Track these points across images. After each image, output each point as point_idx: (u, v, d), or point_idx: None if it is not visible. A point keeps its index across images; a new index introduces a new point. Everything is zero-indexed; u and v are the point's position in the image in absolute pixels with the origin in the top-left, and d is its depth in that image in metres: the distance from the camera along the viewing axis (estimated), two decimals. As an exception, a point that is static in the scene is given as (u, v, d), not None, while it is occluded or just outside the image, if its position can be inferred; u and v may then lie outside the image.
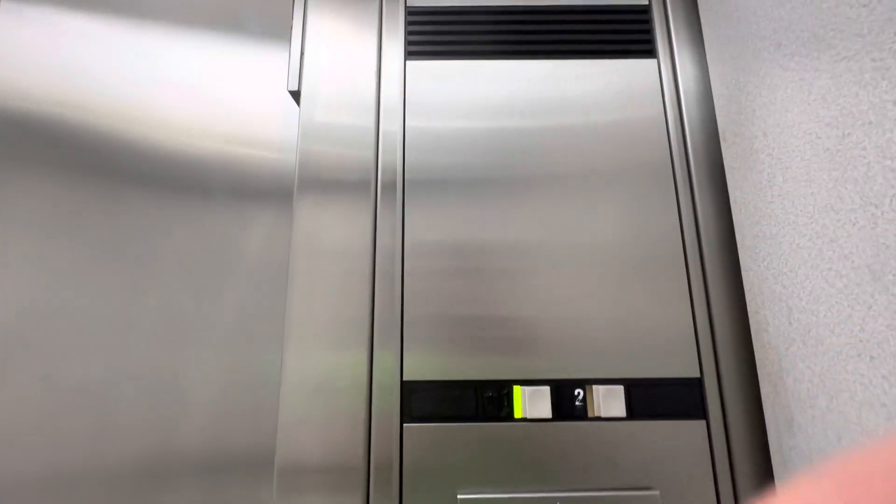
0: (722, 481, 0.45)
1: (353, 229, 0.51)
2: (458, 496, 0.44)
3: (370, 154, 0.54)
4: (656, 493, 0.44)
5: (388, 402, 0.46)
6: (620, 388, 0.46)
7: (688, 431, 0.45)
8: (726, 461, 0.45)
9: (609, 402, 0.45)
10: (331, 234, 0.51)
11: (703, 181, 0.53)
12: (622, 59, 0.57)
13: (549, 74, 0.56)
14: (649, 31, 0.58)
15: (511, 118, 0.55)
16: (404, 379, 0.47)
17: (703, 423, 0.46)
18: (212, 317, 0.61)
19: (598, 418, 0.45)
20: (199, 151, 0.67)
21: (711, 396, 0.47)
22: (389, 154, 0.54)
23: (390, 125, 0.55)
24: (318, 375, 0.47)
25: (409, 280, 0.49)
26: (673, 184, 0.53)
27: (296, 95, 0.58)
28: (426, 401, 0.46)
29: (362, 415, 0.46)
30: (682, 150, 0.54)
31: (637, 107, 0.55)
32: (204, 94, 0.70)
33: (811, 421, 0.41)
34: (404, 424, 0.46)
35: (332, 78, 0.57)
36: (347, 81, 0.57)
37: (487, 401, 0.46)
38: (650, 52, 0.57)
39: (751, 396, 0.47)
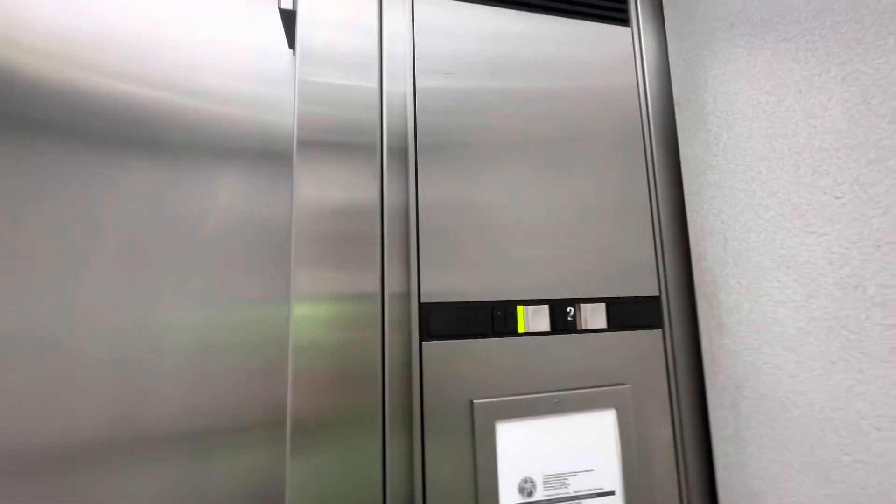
0: (671, 376, 0.56)
1: (360, 189, 0.51)
2: (474, 401, 0.49)
3: (374, 113, 0.54)
4: (628, 386, 0.54)
5: (405, 319, 0.49)
6: (602, 306, 0.54)
7: (650, 338, 0.56)
8: (672, 361, 0.57)
9: (594, 316, 0.54)
10: (336, 193, 0.50)
11: (660, 141, 0.64)
12: (600, 24, 0.64)
13: (537, 35, 0.61)
14: (625, 0, 0.65)
15: (496, 78, 0.58)
16: (422, 301, 0.49)
17: (660, 332, 0.57)
18: (184, 278, 0.56)
19: (585, 330, 0.54)
20: (150, 103, 0.59)
21: (665, 311, 0.58)
22: (396, 113, 0.54)
23: (395, 86, 0.55)
24: (328, 317, 0.47)
25: (422, 232, 0.51)
26: (643, 146, 0.62)
27: (288, 19, 0.54)
28: (443, 319, 0.50)
29: (379, 337, 0.48)
30: (647, 115, 0.64)
31: (617, 74, 0.62)
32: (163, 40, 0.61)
33: (737, 323, 0.54)
34: (423, 342, 0.49)
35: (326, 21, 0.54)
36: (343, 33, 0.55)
37: (496, 318, 0.51)
38: (625, 21, 0.64)
39: (689, 311, 0.59)
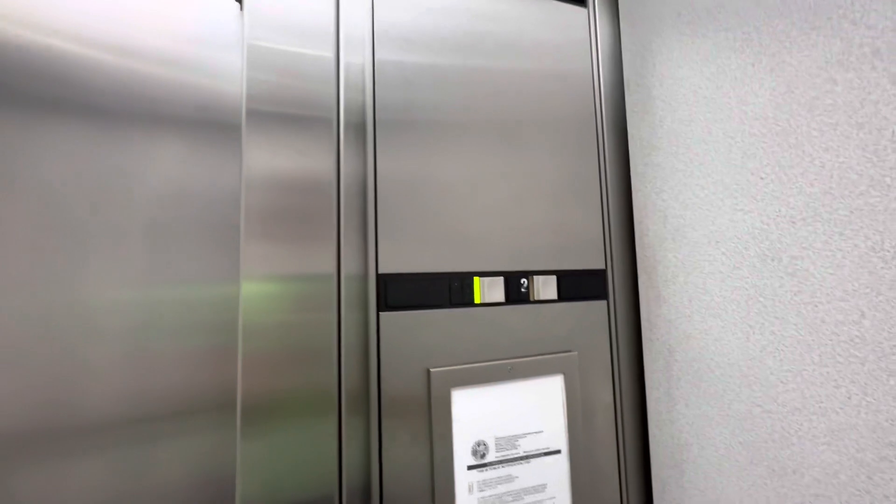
0: (613, 343, 0.61)
1: (314, 163, 0.49)
2: (431, 370, 0.50)
3: (331, 85, 0.51)
4: (575, 353, 0.57)
5: (362, 291, 0.48)
6: (553, 278, 0.57)
7: (596, 309, 0.60)
8: (615, 329, 0.61)
9: (545, 288, 0.56)
10: (288, 167, 0.48)
11: (611, 123, 0.66)
12: (559, 2, 0.64)
13: (498, 11, 0.61)
14: (582, -19, 0.67)
15: (457, 54, 0.58)
16: (380, 272, 0.49)
17: (605, 302, 0.61)
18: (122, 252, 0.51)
19: (538, 301, 0.56)
20: (77, 60, 0.52)
21: (610, 284, 0.62)
22: (353, 85, 0.52)
23: (353, 57, 0.53)
24: (280, 296, 0.46)
25: (380, 206, 0.51)
26: (594, 127, 0.64)
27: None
28: (401, 290, 0.50)
29: (335, 308, 0.47)
30: (599, 97, 0.66)
31: (573, 54, 0.64)
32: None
33: (672, 294, 0.59)
34: (381, 313, 0.49)
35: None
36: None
37: (454, 290, 0.52)
38: (582, 1, 0.66)
39: (632, 284, 0.64)
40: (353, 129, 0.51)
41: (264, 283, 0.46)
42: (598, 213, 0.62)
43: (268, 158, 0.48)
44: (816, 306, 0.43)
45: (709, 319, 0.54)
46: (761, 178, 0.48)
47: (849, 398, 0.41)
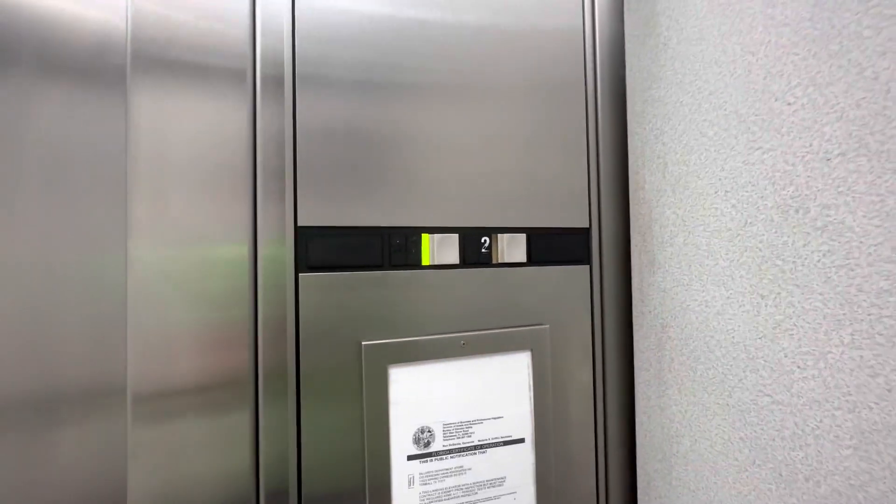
0: (596, 316, 0.51)
1: (221, 116, 0.40)
2: (363, 343, 0.41)
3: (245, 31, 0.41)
4: (546, 326, 0.48)
5: (280, 251, 0.40)
6: (523, 237, 0.47)
7: (575, 275, 0.50)
8: (599, 300, 0.52)
9: (512, 248, 0.47)
10: (187, 120, 0.39)
11: (604, 55, 0.54)
12: None
13: None
14: None
15: (419, 7, 0.46)
16: (299, 225, 0.40)
17: (587, 267, 0.51)
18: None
19: (502, 264, 0.47)
20: None
21: (595, 245, 0.51)
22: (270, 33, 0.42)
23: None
24: (181, 262, 0.38)
25: (300, 156, 0.41)
26: (583, 60, 0.52)
27: None
28: (326, 247, 0.41)
29: (248, 268, 0.39)
30: (591, 21, 0.54)
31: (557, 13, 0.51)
32: None
33: (669, 258, 0.49)
34: (300, 274, 0.40)
35: None
36: None
37: (395, 248, 0.43)
38: None
39: (623, 246, 0.53)
40: (272, 80, 0.41)
41: (158, 247, 0.38)
42: (583, 161, 0.51)
43: (159, 109, 0.38)
44: (852, 270, 0.32)
45: (711, 288, 0.44)
46: (788, 104, 0.36)
47: (889, 390, 0.31)
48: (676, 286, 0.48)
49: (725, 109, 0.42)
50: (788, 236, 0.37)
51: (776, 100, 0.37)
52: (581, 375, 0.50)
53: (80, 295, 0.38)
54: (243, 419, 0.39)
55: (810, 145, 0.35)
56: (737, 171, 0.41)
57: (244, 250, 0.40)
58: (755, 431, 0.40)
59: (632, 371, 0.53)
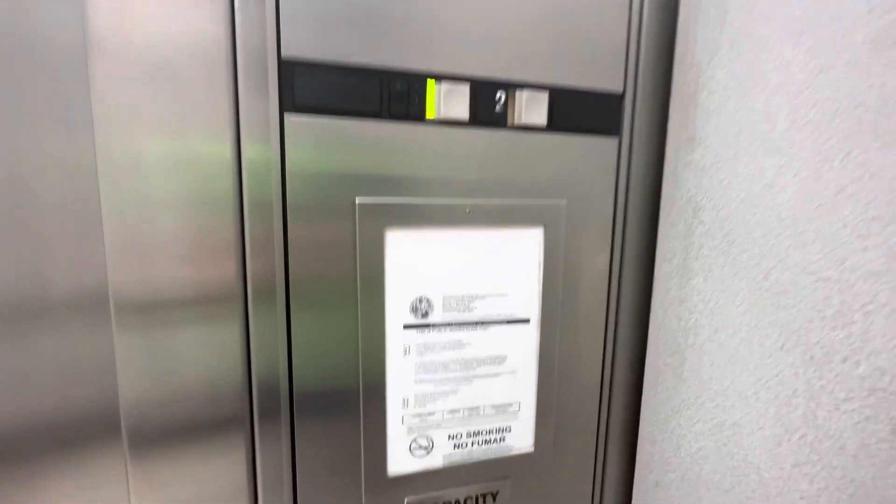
0: (620, 195, 0.46)
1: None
2: (357, 200, 0.37)
3: None
4: (563, 201, 0.43)
5: (261, 84, 0.34)
6: (545, 96, 0.41)
7: (601, 147, 0.44)
8: (626, 178, 0.46)
9: (531, 109, 0.40)
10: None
11: None
12: None
13: None
14: None
15: None
16: (283, 56, 0.34)
17: (616, 140, 0.44)
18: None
19: (518, 126, 0.41)
20: None
21: (627, 115, 0.45)
22: None
23: None
24: (154, 151, 0.32)
25: None
26: None
27: None
28: (316, 87, 0.35)
29: (227, 104, 0.34)
30: None
31: None
32: None
33: (714, 130, 0.42)
34: (286, 114, 0.35)
35: None
36: None
37: (395, 95, 0.37)
38: None
39: (660, 119, 0.46)
40: None
41: (127, 134, 0.32)
42: (624, 9, 0.43)
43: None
44: (960, 109, 0.26)
45: (762, 158, 0.37)
46: None
47: (975, 253, 0.25)
48: (719, 161, 0.41)
49: (820, -81, 0.33)
50: (878, 77, 0.30)
51: None
52: (596, 259, 0.46)
53: (48, 198, 0.33)
54: (231, 280, 0.36)
55: (937, -57, 0.27)
56: (821, 4, 0.33)
57: (220, 122, 0.34)
58: (789, 315, 0.36)
59: (653, 259, 0.49)
